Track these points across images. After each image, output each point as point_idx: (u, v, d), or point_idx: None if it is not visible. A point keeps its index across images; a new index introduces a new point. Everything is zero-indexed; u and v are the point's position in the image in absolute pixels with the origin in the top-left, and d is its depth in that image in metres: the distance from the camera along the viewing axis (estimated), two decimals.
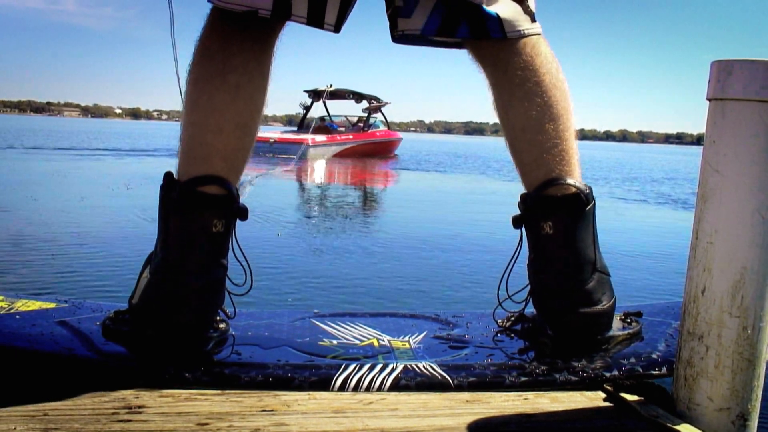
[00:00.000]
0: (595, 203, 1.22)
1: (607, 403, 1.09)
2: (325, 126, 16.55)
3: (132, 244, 3.44)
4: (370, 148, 16.84)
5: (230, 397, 1.04)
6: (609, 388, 1.14)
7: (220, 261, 1.15)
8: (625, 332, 1.30)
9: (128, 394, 1.03)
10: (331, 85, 16.47)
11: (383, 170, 12.11)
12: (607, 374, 1.17)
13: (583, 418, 1.04)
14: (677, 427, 0.98)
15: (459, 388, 1.12)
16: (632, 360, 1.21)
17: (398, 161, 15.41)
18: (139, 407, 0.98)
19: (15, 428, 0.89)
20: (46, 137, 19.54)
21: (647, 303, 1.60)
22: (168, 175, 1.15)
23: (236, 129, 1.11)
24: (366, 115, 17.52)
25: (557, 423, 1.01)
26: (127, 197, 5.77)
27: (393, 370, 1.13)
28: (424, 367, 1.16)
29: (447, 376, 1.13)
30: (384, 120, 18.55)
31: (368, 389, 1.09)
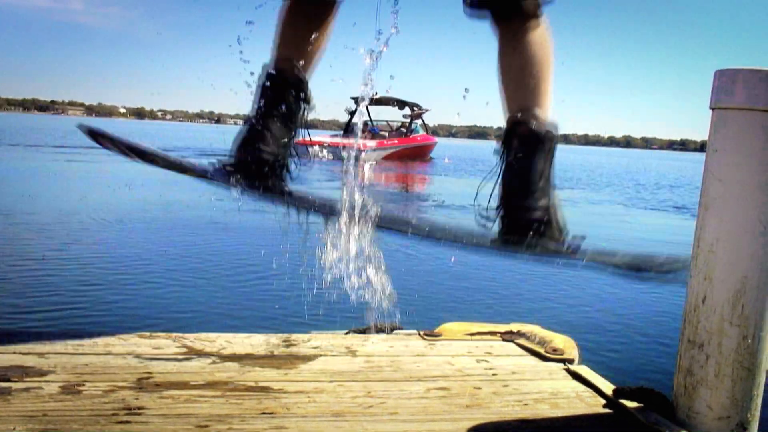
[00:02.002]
0: (555, 142, 1.38)
1: (606, 410, 1.09)
2: (369, 131, 17.40)
3: (131, 245, 3.44)
4: (412, 152, 18.01)
5: (230, 399, 1.04)
6: (608, 393, 1.14)
7: (288, 127, 1.46)
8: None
9: (128, 395, 1.03)
10: (376, 93, 17.31)
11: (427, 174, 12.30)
12: None
13: (582, 424, 1.04)
14: None
15: None
16: None
17: (437, 165, 15.92)
18: (139, 408, 0.98)
19: (14, 428, 0.89)
20: (46, 135, 19.59)
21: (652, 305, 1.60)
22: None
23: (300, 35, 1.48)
24: (408, 120, 18.75)
25: (557, 429, 1.01)
26: (128, 197, 5.77)
27: None
28: None
29: None
30: (423, 124, 19.75)
31: None
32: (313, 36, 1.52)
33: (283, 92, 1.48)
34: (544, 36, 1.42)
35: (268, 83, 1.48)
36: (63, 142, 16.43)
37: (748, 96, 0.94)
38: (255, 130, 1.47)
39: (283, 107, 1.49)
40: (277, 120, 1.48)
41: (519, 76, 1.41)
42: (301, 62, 1.52)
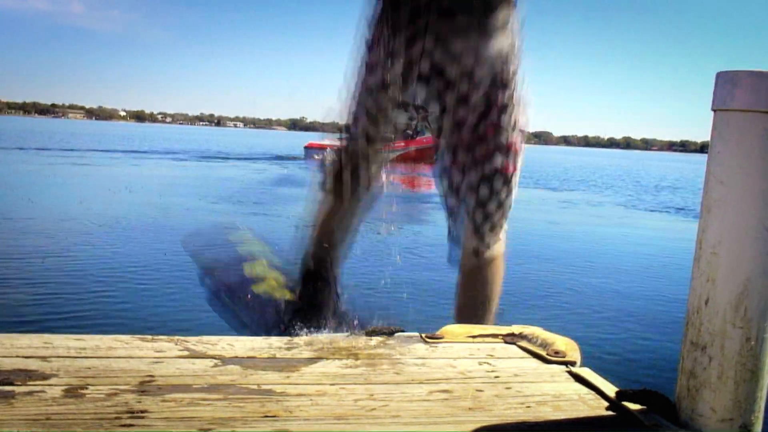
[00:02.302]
0: None
1: (609, 412, 1.09)
2: None
3: (131, 247, 3.44)
4: (419, 154, 18.30)
5: (232, 402, 1.04)
6: (611, 396, 1.14)
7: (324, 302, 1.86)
8: None
9: (131, 399, 1.03)
10: None
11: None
12: None
13: (585, 426, 1.04)
14: None
15: None
16: None
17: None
18: (142, 412, 0.98)
19: None
20: (48, 139, 19.62)
21: (650, 307, 1.60)
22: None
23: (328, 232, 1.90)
24: (415, 122, 18.93)
25: (560, 431, 1.01)
26: (129, 199, 5.78)
27: None
28: None
29: None
30: (428, 126, 19.95)
31: None
32: (345, 232, 1.94)
33: (321, 285, 1.89)
34: (496, 274, 1.79)
35: (307, 277, 1.90)
36: (66, 145, 16.46)
37: (750, 98, 0.94)
38: (300, 309, 1.85)
39: (319, 292, 1.91)
40: (313, 300, 1.86)
41: (469, 309, 1.78)
42: (335, 251, 1.93)
